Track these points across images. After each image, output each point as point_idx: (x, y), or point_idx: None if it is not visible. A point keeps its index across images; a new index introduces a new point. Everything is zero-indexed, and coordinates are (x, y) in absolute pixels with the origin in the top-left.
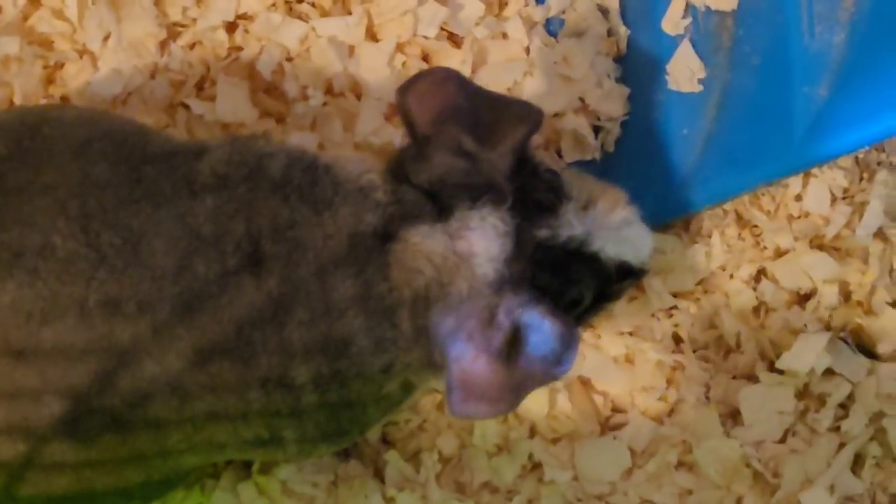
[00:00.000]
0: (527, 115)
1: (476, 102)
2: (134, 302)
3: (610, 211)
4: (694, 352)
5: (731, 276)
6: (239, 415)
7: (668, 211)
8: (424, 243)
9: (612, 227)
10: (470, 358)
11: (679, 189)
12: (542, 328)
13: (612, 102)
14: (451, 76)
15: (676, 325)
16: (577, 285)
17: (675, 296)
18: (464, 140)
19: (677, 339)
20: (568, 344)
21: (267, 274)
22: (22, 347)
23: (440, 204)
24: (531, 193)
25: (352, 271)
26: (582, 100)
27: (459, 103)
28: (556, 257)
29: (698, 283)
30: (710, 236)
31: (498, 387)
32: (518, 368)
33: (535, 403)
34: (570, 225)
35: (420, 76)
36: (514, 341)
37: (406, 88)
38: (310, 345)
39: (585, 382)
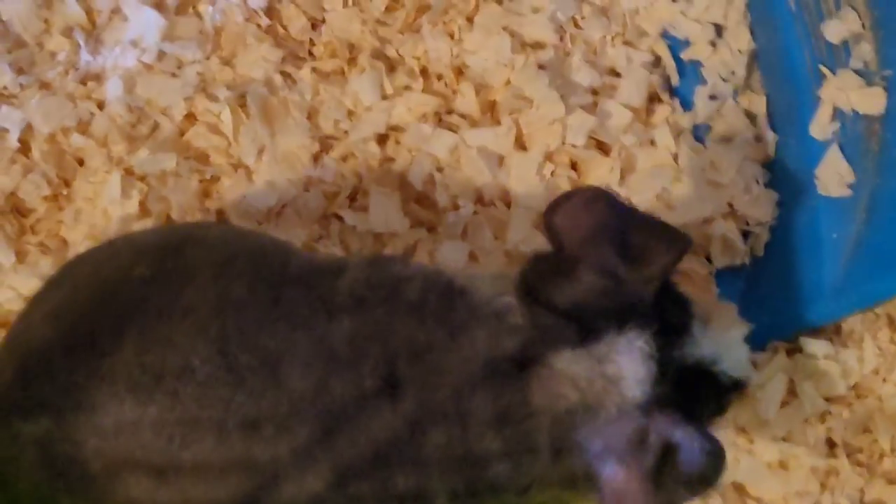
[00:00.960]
0: (676, 240)
1: (626, 224)
2: (272, 424)
3: (727, 329)
4: (848, 456)
5: (884, 380)
6: None
7: (820, 316)
8: (570, 368)
9: (730, 345)
10: (623, 479)
11: (830, 293)
12: (692, 447)
13: (761, 207)
14: (601, 195)
15: (830, 430)
16: (707, 404)
17: (827, 400)
18: (615, 262)
19: (831, 444)
20: (718, 461)
21: (404, 397)
22: (163, 468)
23: (584, 326)
24: (667, 315)
25: (489, 395)
26: (731, 205)
27: (609, 223)
28: (688, 377)
29: (851, 388)
30: (861, 341)
31: None
32: (669, 487)
33: None
34: (699, 346)
35: (569, 195)
36: (664, 461)
37: (555, 207)
38: (446, 466)
39: (739, 488)
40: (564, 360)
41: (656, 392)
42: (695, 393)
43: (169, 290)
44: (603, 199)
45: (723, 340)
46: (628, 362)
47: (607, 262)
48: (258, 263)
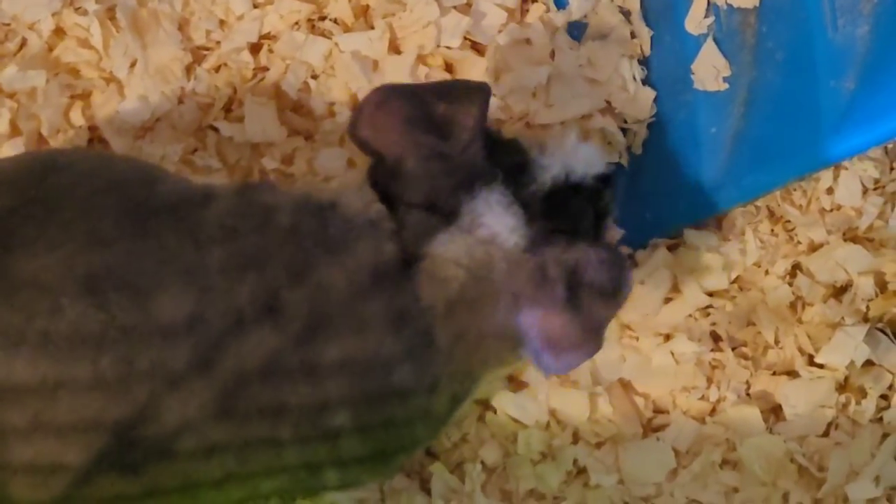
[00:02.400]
0: (475, 92)
1: (424, 103)
2: (146, 358)
3: (561, 142)
4: (733, 349)
5: (767, 273)
6: (274, 459)
7: (700, 210)
8: (448, 250)
9: (571, 153)
10: (542, 318)
11: (710, 188)
12: (590, 262)
13: (638, 104)
14: (387, 92)
15: (714, 324)
16: (583, 216)
17: (710, 295)
18: (432, 143)
19: (716, 338)
20: (620, 266)
21: (289, 321)
22: (38, 409)
23: (443, 209)
24: (505, 160)
25: (382, 301)
26: (608, 102)
27: (410, 112)
28: (554, 202)
29: (733, 281)
30: (743, 233)
31: (578, 331)
32: (585, 308)
33: (577, 408)
34: (547, 169)
35: (364, 106)
36: (571, 285)
37: (355, 124)
38: (345, 386)
39: (626, 385)
40: (441, 244)
41: (534, 230)
42: (572, 212)
43: (33, 222)
44: (392, 95)
45: (563, 153)
46: (494, 218)
47: (427, 148)
48: (123, 195)
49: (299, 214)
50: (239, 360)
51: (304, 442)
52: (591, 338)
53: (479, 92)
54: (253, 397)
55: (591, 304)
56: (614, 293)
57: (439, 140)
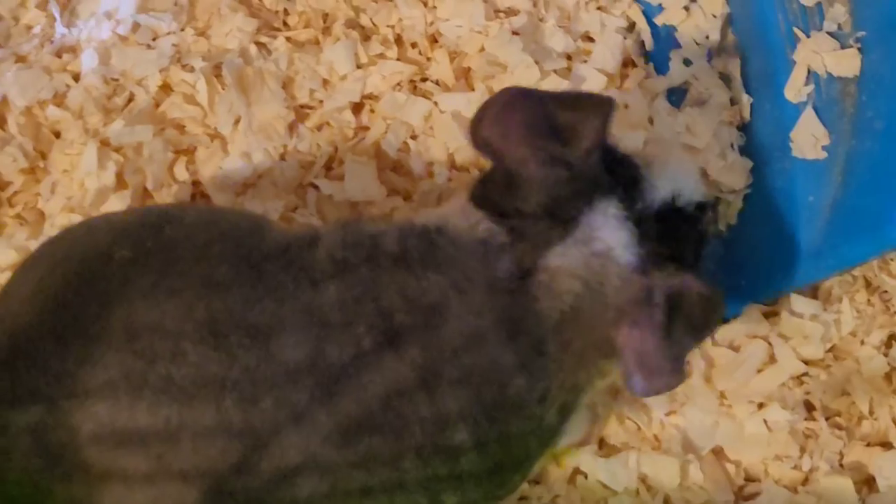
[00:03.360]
0: (600, 105)
1: (548, 110)
2: (270, 397)
3: (668, 164)
4: (826, 419)
5: (862, 343)
6: (394, 486)
7: (796, 278)
8: (565, 262)
9: (679, 175)
10: (639, 339)
11: (806, 256)
12: (692, 295)
13: (735, 174)
14: (515, 94)
15: (808, 393)
16: (688, 243)
17: (805, 363)
18: (555, 149)
19: (809, 407)
20: (718, 304)
21: (407, 345)
22: (161, 449)
23: (560, 219)
24: (620, 175)
25: (495, 316)
26: (704, 170)
27: (534, 116)
28: (661, 223)
29: (828, 350)
30: (839, 302)
31: (668, 358)
32: (678, 338)
33: (668, 475)
34: (656, 190)
35: (488, 106)
36: (671, 313)
37: (478, 122)
38: (464, 401)
39: (717, 452)
40: (557, 256)
41: (645, 250)
42: (677, 236)
43: (151, 271)
44: (519, 97)
45: (671, 174)
46: (610, 232)
47: (550, 152)
48: (237, 242)
49: (406, 240)
50: (360, 389)
51: (425, 461)
52: (678, 368)
53: (604, 104)
54: (375, 424)
55: (680, 335)
56: (703, 329)
57: (561, 146)
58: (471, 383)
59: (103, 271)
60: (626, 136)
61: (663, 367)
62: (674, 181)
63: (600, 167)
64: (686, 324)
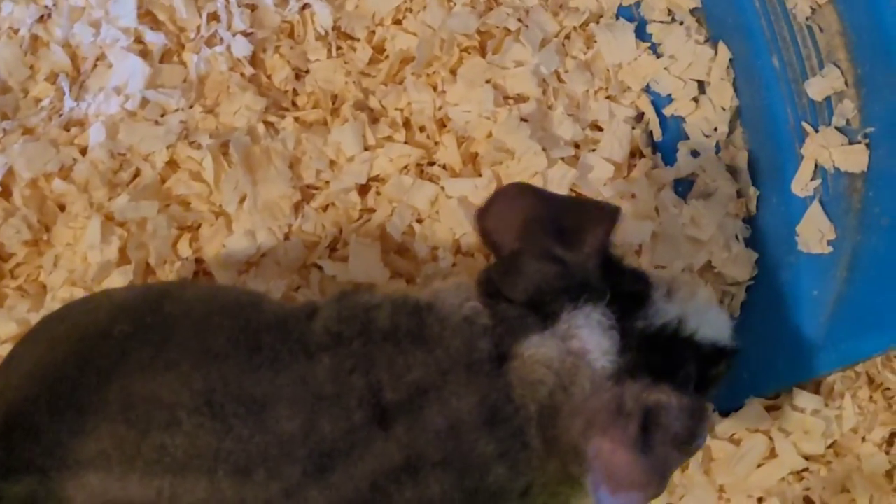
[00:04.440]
0: (605, 214)
1: (554, 209)
2: (263, 468)
3: (692, 295)
4: None
5: (864, 440)
6: None
7: (799, 372)
8: (539, 353)
9: (698, 310)
10: (608, 451)
11: (809, 351)
12: (670, 407)
13: (740, 267)
14: (523, 189)
15: (808, 489)
16: (682, 368)
17: (806, 458)
18: (551, 246)
19: (809, 502)
20: (699, 417)
21: (394, 423)
22: None
23: (543, 312)
24: (620, 287)
25: (475, 400)
26: (709, 263)
27: (538, 213)
28: (657, 344)
29: (830, 447)
30: (841, 398)
31: (642, 472)
32: (656, 451)
33: None
34: (663, 312)
35: (495, 197)
36: (646, 425)
37: (485, 211)
38: (446, 485)
39: None
40: (533, 345)
41: (625, 360)
42: (672, 360)
43: (150, 345)
44: (526, 193)
45: (689, 304)
46: (589, 335)
47: (546, 248)
48: (235, 315)
49: (398, 315)
50: (350, 466)
51: None
52: (654, 481)
53: (609, 213)
54: (363, 501)
55: (662, 449)
56: (688, 443)
57: (558, 245)
58: (453, 468)
59: (102, 347)
60: (633, 226)
61: (636, 482)
62: (685, 309)
63: (597, 273)
64: (666, 437)
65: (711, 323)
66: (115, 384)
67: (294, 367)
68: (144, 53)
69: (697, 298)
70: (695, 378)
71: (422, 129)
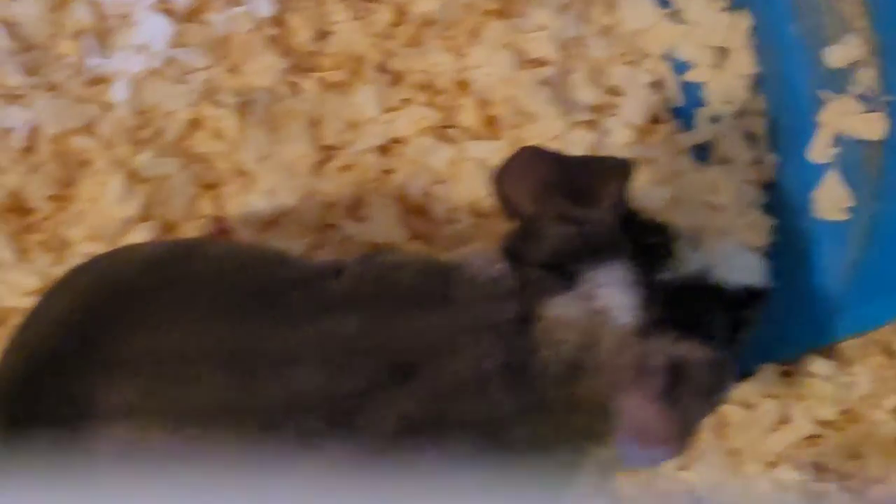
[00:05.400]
0: (618, 168)
1: (567, 169)
2: (287, 427)
3: (718, 241)
4: (837, 482)
5: (877, 406)
6: None
7: (813, 338)
8: (563, 313)
9: (725, 256)
10: (635, 407)
11: (824, 317)
12: (695, 361)
13: (756, 233)
14: (534, 153)
15: (820, 454)
16: (710, 317)
17: (819, 424)
18: (566, 207)
19: (821, 469)
20: (723, 370)
21: (416, 382)
22: None
23: (565, 272)
24: (643, 240)
25: (500, 361)
26: (726, 228)
27: (552, 175)
28: (683, 295)
29: (843, 413)
30: (855, 365)
31: (669, 426)
32: (683, 405)
33: None
34: (687, 262)
35: (509, 162)
36: (671, 379)
37: (500, 176)
38: (469, 443)
39: None
40: (557, 306)
41: (650, 315)
42: (698, 310)
43: (176, 300)
44: (538, 155)
45: (716, 251)
46: (612, 292)
47: (562, 210)
48: (260, 271)
49: (423, 276)
50: (373, 423)
51: None
52: (682, 435)
53: (623, 167)
54: (386, 461)
55: (688, 402)
56: (714, 395)
57: (574, 205)
58: (476, 427)
59: (129, 300)
60: (651, 191)
61: (663, 436)
62: (711, 257)
63: (616, 229)
64: (692, 390)
65: (739, 266)
66: (140, 337)
67: (319, 325)
68: (169, 12)
69: (724, 244)
70: (725, 325)
71: (442, 91)
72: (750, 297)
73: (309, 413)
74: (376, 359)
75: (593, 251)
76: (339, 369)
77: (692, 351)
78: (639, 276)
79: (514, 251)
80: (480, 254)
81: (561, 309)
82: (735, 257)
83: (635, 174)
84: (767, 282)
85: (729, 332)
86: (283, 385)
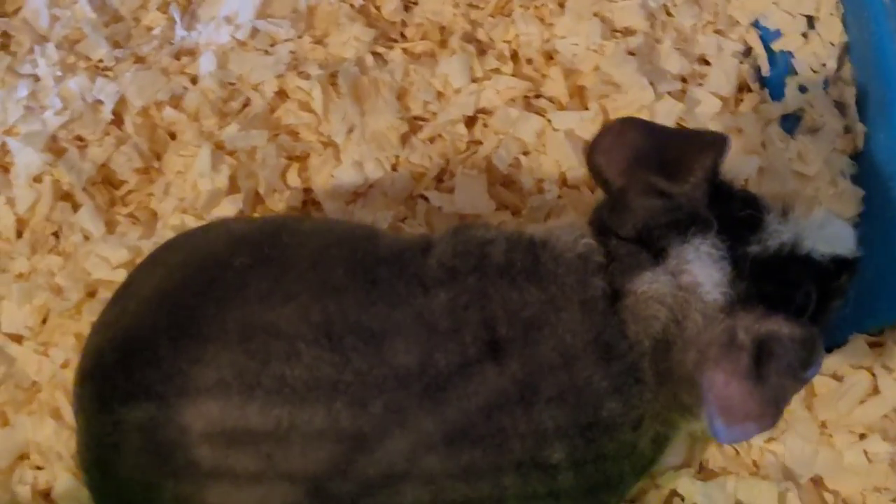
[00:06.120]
0: (712, 143)
1: (660, 143)
2: (380, 401)
3: (808, 212)
4: None
5: None
6: (494, 501)
7: None
8: (652, 289)
9: (815, 226)
10: (722, 383)
11: None
12: (782, 337)
13: (846, 202)
14: (629, 124)
15: None
16: (800, 289)
17: None
18: (656, 181)
19: None
20: (812, 346)
21: (508, 358)
22: (270, 449)
23: (653, 247)
24: (732, 214)
25: (590, 337)
26: (815, 199)
27: (644, 148)
28: (773, 268)
29: None
30: None
31: (756, 403)
32: (770, 381)
33: (765, 501)
34: (777, 234)
35: (602, 133)
36: (760, 356)
37: (593, 147)
38: (560, 419)
39: (817, 481)
40: (646, 282)
41: (738, 291)
42: (788, 283)
43: (268, 277)
44: (632, 128)
45: (804, 223)
46: (700, 268)
47: (651, 184)
48: (351, 248)
49: (512, 251)
50: (464, 399)
51: (524, 478)
52: (769, 412)
53: (716, 143)
54: (477, 436)
55: (776, 379)
56: (801, 371)
57: (664, 179)
58: (566, 402)
59: (222, 277)
60: (740, 161)
61: (750, 413)
62: (800, 228)
63: (704, 204)
64: (780, 367)
65: (829, 236)
66: (234, 314)
67: (410, 301)
68: None
69: (814, 215)
70: (816, 296)
71: (529, 61)
72: (840, 267)
73: (402, 388)
74: (468, 335)
75: (681, 226)
76: (433, 345)
77: (780, 327)
78: (727, 251)
79: (601, 224)
80: (567, 228)
81: (649, 284)
82: (825, 227)
83: (729, 149)
84: (857, 251)
85: (819, 303)
86: (378, 360)
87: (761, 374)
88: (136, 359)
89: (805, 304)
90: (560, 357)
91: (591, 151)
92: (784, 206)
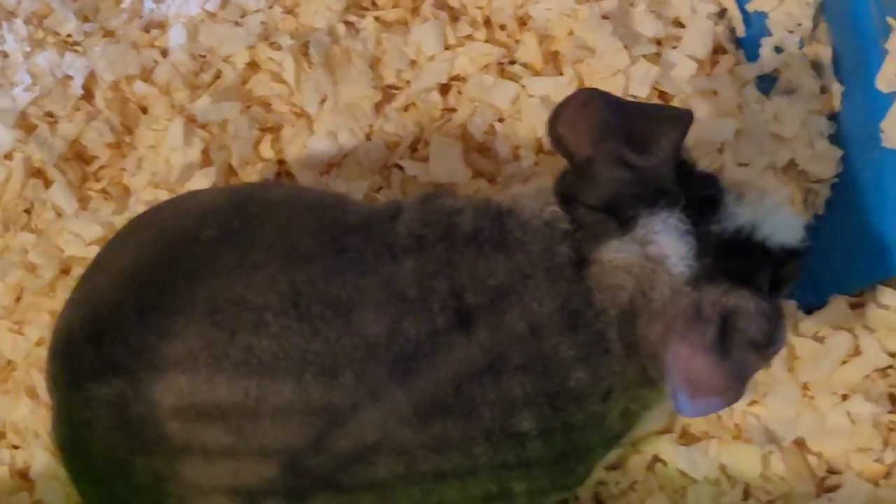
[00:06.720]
0: (677, 118)
1: (626, 115)
2: (349, 370)
3: (761, 198)
4: None
5: None
6: (466, 471)
7: (883, 270)
8: (619, 258)
9: (768, 213)
10: (686, 356)
11: (894, 248)
12: (748, 311)
13: (824, 163)
14: (594, 95)
15: (892, 386)
16: (757, 273)
17: (890, 355)
18: (624, 152)
19: (893, 400)
20: (777, 321)
21: (476, 327)
22: (241, 422)
23: (620, 217)
24: (694, 191)
25: (556, 305)
26: (793, 160)
27: (610, 119)
28: (732, 249)
29: None
30: None
31: (721, 377)
32: (735, 355)
33: (748, 465)
34: (736, 216)
35: (565, 103)
36: (724, 330)
37: (555, 118)
38: (528, 388)
39: (800, 443)
40: (612, 250)
41: (703, 265)
42: (747, 265)
43: (236, 248)
44: (597, 99)
45: (759, 208)
46: (667, 240)
47: (619, 155)
48: (320, 216)
49: (479, 220)
50: (434, 369)
51: (494, 447)
52: (734, 386)
53: (681, 118)
54: (448, 406)
55: (740, 353)
56: (766, 347)
57: (631, 151)
58: (534, 371)
59: (190, 250)
60: (716, 123)
61: (714, 386)
62: (756, 214)
63: (671, 178)
64: (745, 341)
65: (781, 225)
66: (202, 287)
67: (379, 270)
68: None
69: (766, 201)
70: (768, 281)
71: (502, 27)
72: (788, 256)
73: (372, 358)
74: (436, 303)
75: (649, 198)
76: (401, 314)
77: (746, 301)
78: (692, 226)
79: (566, 193)
80: (533, 195)
81: (616, 253)
82: (775, 217)
83: (692, 125)
84: (804, 242)
85: (774, 287)
86: (347, 330)
87: (726, 347)
88: (106, 335)
89: (761, 287)
90: (527, 325)
91: (554, 121)
92: (739, 189)
